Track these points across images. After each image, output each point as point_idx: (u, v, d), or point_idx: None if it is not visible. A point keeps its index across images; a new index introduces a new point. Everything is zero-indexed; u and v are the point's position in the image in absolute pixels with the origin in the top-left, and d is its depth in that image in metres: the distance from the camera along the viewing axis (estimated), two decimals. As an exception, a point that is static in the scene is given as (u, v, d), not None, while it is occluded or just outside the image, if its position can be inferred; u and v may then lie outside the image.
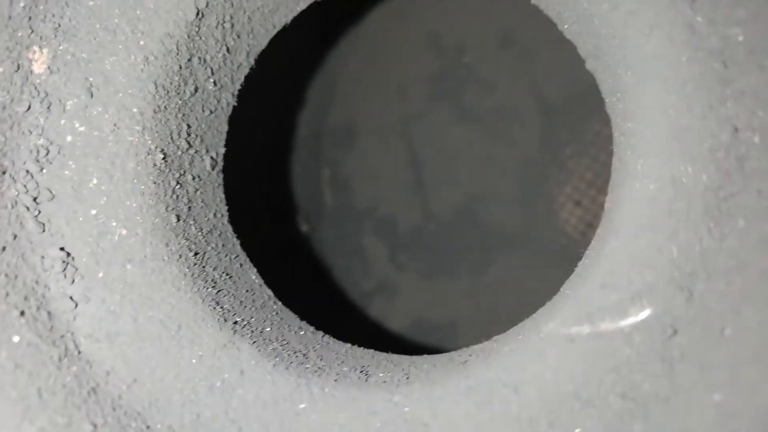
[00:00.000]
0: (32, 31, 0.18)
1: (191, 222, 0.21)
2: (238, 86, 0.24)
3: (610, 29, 0.19)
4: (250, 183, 0.30)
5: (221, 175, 0.24)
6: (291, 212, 0.49)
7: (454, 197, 0.49)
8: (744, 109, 0.16)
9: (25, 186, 0.17)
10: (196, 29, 0.20)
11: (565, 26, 0.22)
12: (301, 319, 0.25)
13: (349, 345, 0.21)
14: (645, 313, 0.14)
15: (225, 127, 0.24)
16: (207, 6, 0.20)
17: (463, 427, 0.14)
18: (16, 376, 0.15)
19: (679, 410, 0.15)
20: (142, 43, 0.19)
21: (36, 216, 0.18)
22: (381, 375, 0.19)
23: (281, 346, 0.19)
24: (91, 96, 0.19)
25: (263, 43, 0.24)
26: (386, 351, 0.26)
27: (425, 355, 0.21)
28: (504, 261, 0.48)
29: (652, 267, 0.15)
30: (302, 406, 0.17)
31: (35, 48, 0.19)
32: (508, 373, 0.15)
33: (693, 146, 0.17)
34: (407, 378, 0.18)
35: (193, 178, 0.21)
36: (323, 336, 0.22)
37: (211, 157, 0.23)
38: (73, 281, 0.18)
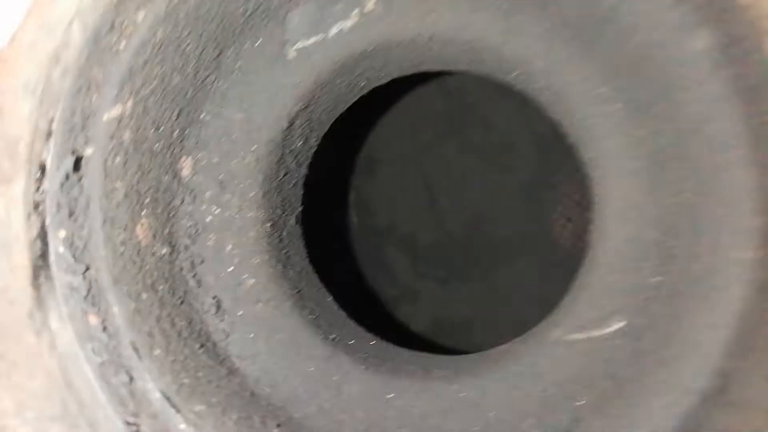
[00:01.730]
0: (182, 148, 0.25)
1: (290, 267, 0.28)
2: (309, 160, 0.31)
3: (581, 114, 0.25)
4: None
5: (301, 227, 0.31)
6: (327, 234, 0.56)
7: (464, 216, 0.57)
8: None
9: (184, 255, 0.24)
10: (288, 133, 0.27)
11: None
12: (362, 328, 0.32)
13: (407, 349, 0.28)
14: (621, 324, 0.21)
15: (301, 191, 0.30)
16: (296, 117, 0.26)
17: (503, 404, 0.21)
18: (207, 388, 0.22)
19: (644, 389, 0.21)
20: (253, 148, 0.26)
21: (194, 276, 0.25)
22: (437, 371, 0.26)
23: (364, 354, 0.25)
24: (222, 188, 0.26)
25: (326, 128, 0.30)
26: (414, 346, 0.33)
27: (467, 355, 0.28)
28: (508, 268, 0.55)
29: (624, 291, 0.22)
30: (390, 395, 0.24)
31: (183, 157, 0.25)
32: (529, 367, 0.22)
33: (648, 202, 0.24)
34: (456, 372, 0.25)
35: (288, 234, 0.28)
36: (386, 344, 0.29)
37: (296, 216, 0.30)
38: (223, 319, 0.25)
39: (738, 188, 0.20)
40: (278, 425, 0.19)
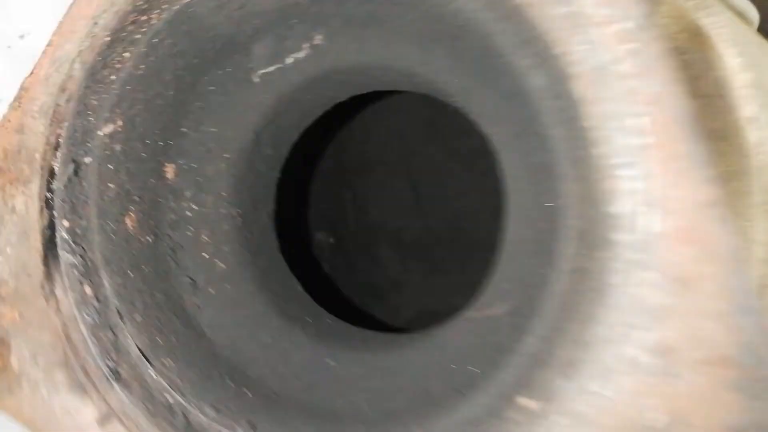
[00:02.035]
0: (166, 156, 0.30)
1: (259, 255, 0.33)
2: (281, 165, 0.35)
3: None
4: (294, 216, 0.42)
5: (273, 222, 0.36)
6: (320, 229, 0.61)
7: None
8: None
9: (166, 242, 0.29)
10: (255, 144, 0.32)
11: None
12: (330, 312, 0.37)
13: (357, 328, 0.33)
14: (507, 307, 0.26)
15: (274, 191, 0.35)
16: (261, 130, 0.31)
17: (415, 370, 0.26)
18: (177, 347, 0.27)
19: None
20: (225, 156, 0.31)
21: (174, 259, 0.30)
22: (373, 344, 0.30)
23: (317, 330, 0.30)
24: (200, 188, 0.31)
25: (295, 138, 0.35)
26: (401, 332, 0.37)
27: (402, 333, 0.32)
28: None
29: (513, 280, 0.27)
30: (332, 363, 0.29)
31: (167, 163, 0.31)
32: (440, 340, 0.27)
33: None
34: (386, 346, 0.29)
35: (259, 228, 0.33)
36: (342, 323, 0.34)
37: (267, 213, 0.35)
38: (197, 295, 0.30)
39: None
40: (233, 380, 0.24)
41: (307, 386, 0.27)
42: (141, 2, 0.22)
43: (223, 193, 0.30)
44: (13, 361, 0.22)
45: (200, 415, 0.21)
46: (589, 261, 0.18)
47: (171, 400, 0.21)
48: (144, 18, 0.22)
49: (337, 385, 0.27)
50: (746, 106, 0.25)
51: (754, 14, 0.65)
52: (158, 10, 0.23)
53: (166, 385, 0.21)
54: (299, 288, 0.34)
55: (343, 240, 0.60)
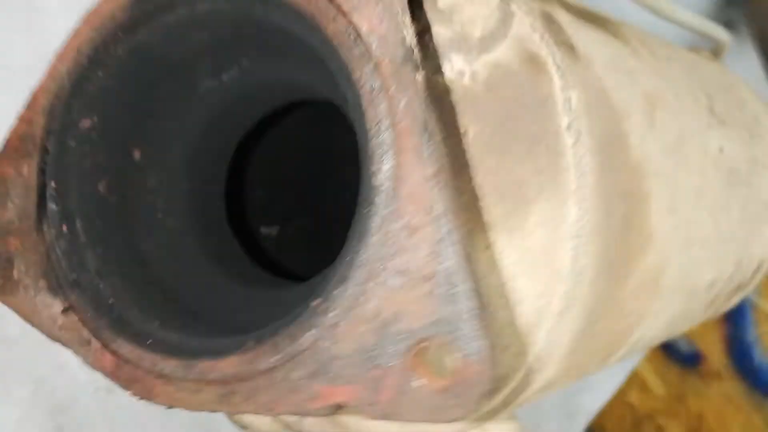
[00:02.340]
0: (133, 141, 0.41)
1: (206, 220, 0.43)
2: (225, 174, 0.46)
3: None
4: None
5: (224, 199, 0.46)
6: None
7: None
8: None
9: (130, 204, 0.40)
10: (204, 138, 0.42)
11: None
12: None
13: (279, 278, 0.43)
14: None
15: (224, 174, 0.46)
16: (207, 129, 0.42)
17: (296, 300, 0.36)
18: (128, 274, 0.38)
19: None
20: (180, 144, 0.42)
21: (134, 214, 0.41)
22: (280, 288, 0.40)
23: (244, 279, 0.40)
24: (161, 167, 0.42)
25: (232, 150, 0.46)
26: None
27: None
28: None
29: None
30: (246, 301, 0.39)
31: (134, 148, 0.42)
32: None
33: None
34: (279, 288, 0.39)
35: (206, 200, 0.44)
36: (268, 275, 0.44)
37: (217, 190, 0.45)
38: (147, 240, 0.41)
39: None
40: (163, 294, 0.34)
41: (223, 310, 0.37)
42: (108, 40, 0.32)
43: (177, 172, 0.40)
44: (14, 273, 0.33)
45: (130, 313, 0.31)
46: (366, 216, 0.27)
47: (111, 302, 0.31)
48: (111, 48, 0.33)
49: (246, 315, 0.37)
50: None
51: (723, 36, 0.73)
52: (122, 43, 0.34)
53: (110, 293, 0.32)
54: (240, 250, 0.45)
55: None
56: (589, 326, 0.36)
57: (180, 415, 0.45)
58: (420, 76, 0.26)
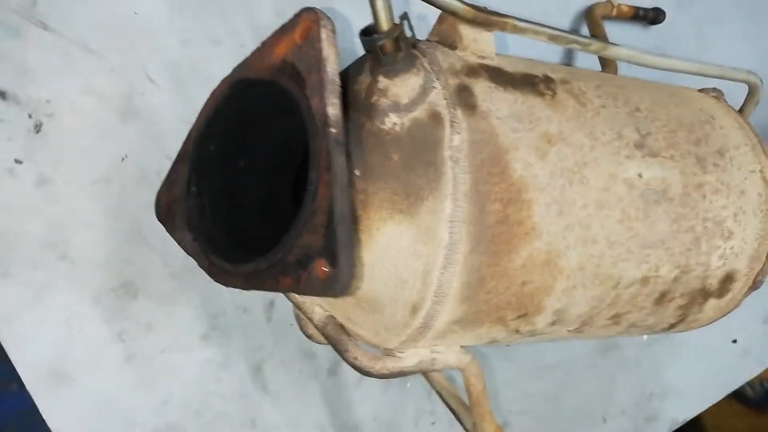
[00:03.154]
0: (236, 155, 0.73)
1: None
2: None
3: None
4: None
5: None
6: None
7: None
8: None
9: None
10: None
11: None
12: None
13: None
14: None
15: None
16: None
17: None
18: None
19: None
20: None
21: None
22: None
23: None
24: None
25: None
26: None
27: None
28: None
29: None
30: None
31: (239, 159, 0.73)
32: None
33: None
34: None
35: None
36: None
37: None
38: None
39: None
40: (241, 240, 0.64)
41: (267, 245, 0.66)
42: (221, 105, 0.64)
43: (263, 176, 0.70)
44: (176, 222, 0.66)
45: (221, 243, 0.62)
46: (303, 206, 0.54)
47: (214, 237, 0.62)
48: (223, 110, 0.64)
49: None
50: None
51: (754, 79, 0.86)
52: (227, 108, 0.64)
53: (213, 233, 0.63)
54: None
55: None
56: (478, 282, 0.57)
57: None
58: (333, 130, 0.51)
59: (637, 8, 1.03)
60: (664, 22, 1.08)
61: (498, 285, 0.57)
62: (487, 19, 0.63)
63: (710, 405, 1.44)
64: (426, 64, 0.56)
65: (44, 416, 0.79)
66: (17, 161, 0.74)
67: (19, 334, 0.78)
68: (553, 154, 0.60)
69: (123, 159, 0.81)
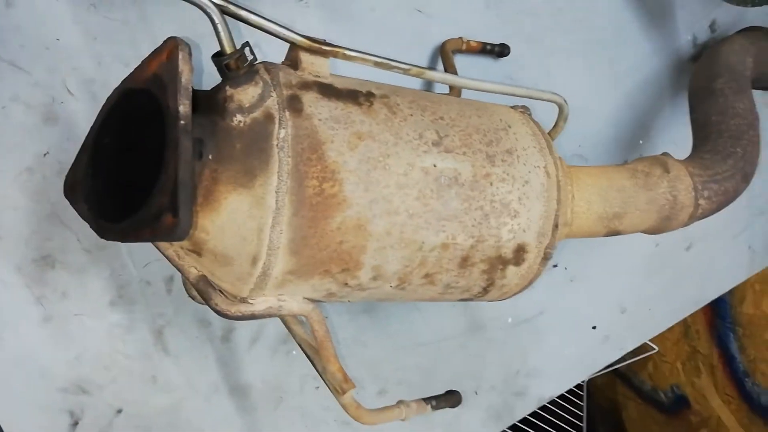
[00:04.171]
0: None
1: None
2: None
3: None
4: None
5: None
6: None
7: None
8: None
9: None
10: None
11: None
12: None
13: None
14: None
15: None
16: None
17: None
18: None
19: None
20: None
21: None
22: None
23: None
24: None
25: None
26: None
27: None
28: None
29: None
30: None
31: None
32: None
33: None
34: None
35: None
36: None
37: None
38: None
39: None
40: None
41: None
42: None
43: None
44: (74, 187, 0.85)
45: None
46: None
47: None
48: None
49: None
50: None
51: (558, 99, 1.10)
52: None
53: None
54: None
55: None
56: (302, 239, 0.76)
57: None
58: (182, 123, 0.71)
59: (485, 43, 1.27)
60: (510, 55, 1.31)
61: (319, 242, 0.73)
62: (319, 48, 0.85)
63: (573, 385, 1.66)
64: (267, 78, 0.77)
65: (-32, 367, 0.96)
66: (-47, 156, 0.93)
67: (-48, 298, 0.94)
68: (362, 147, 0.80)
69: (45, 155, 1.00)
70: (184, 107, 0.70)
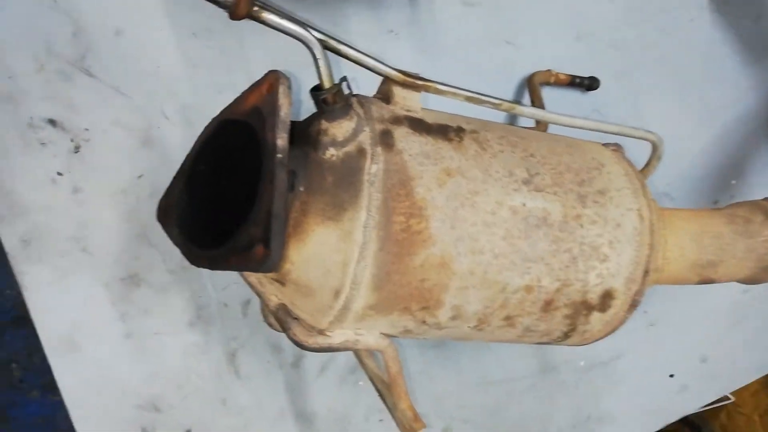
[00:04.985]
0: None
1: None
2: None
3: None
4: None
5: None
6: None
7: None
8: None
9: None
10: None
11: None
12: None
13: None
14: None
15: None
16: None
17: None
18: None
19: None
20: None
21: None
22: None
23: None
24: None
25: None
26: None
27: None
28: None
29: None
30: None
31: None
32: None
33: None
34: None
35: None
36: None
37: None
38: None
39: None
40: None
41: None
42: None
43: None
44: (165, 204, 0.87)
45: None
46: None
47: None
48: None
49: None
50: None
51: (652, 137, 1.06)
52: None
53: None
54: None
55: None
56: (385, 275, 0.75)
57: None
58: (279, 156, 0.72)
59: (574, 76, 1.23)
60: (599, 89, 1.27)
61: (402, 279, 0.69)
62: (413, 83, 0.84)
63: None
64: (361, 113, 0.77)
65: (56, 376, 0.99)
66: (59, 173, 0.99)
67: (44, 308, 0.99)
68: (451, 183, 0.78)
69: (139, 177, 1.04)
70: (281, 141, 0.71)
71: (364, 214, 0.70)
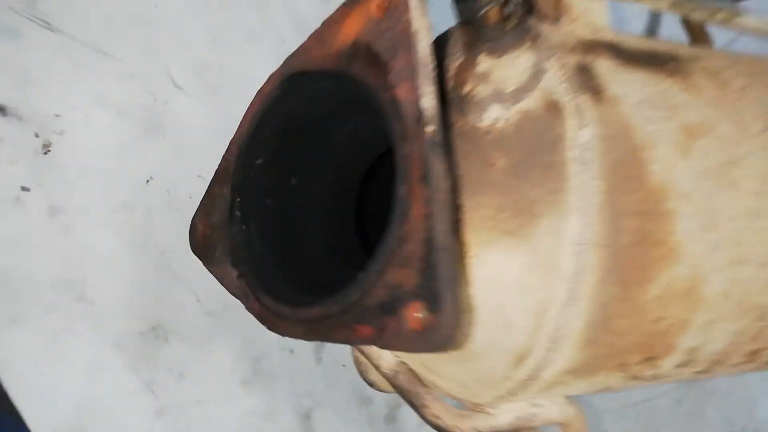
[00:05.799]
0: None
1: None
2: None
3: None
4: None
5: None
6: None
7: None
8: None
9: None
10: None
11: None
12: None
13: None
14: None
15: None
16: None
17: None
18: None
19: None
20: None
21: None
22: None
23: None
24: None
25: None
26: None
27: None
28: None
29: None
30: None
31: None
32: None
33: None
34: None
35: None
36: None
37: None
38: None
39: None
40: (298, 275, 0.52)
41: (331, 282, 0.53)
42: (268, 109, 0.51)
43: (320, 194, 0.58)
44: (216, 252, 0.53)
45: (274, 279, 0.49)
46: (388, 231, 0.41)
47: (264, 272, 0.49)
48: (271, 115, 0.52)
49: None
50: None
51: None
52: (276, 111, 0.52)
53: (264, 267, 0.50)
54: (357, 244, 0.60)
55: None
56: (604, 320, 0.44)
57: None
58: (430, 129, 0.38)
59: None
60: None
61: (626, 324, 0.46)
62: (598, -19, 0.51)
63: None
64: (527, 39, 0.43)
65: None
66: (24, 188, 0.63)
67: (33, 391, 0.66)
68: (698, 151, 0.47)
69: (147, 181, 0.69)
70: (429, 100, 0.38)
71: (576, 222, 0.43)
